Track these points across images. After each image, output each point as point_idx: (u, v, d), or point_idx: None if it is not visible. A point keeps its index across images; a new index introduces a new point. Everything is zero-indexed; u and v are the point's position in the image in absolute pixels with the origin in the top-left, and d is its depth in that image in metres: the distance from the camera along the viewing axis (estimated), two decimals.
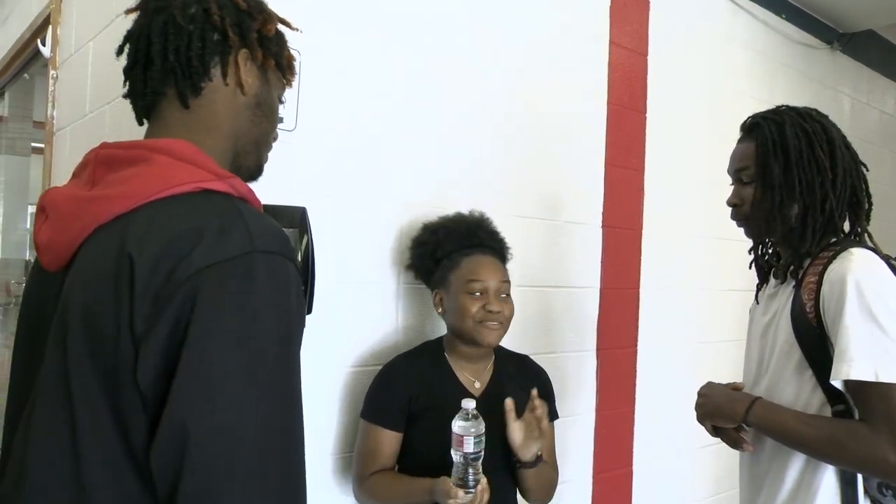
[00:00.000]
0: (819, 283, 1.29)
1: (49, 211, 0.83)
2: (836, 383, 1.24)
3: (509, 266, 1.67)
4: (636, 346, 2.48)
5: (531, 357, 1.79)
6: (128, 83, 0.90)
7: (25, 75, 2.72)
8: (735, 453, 1.50)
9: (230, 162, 0.91)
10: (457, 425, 1.37)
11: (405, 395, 1.55)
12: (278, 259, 0.75)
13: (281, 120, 1.55)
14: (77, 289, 0.76)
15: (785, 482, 1.36)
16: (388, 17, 1.78)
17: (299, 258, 1.53)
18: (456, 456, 1.37)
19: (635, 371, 2.48)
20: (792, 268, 1.38)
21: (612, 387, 2.39)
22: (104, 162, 0.82)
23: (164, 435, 0.68)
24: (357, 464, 1.58)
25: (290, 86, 1.00)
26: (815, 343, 1.29)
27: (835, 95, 3.50)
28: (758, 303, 1.54)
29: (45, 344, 0.78)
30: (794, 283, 1.37)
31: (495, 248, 1.66)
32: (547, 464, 1.58)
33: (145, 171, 0.78)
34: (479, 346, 1.58)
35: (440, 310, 1.62)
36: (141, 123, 0.91)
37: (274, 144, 1.52)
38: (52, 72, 1.98)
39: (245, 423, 0.70)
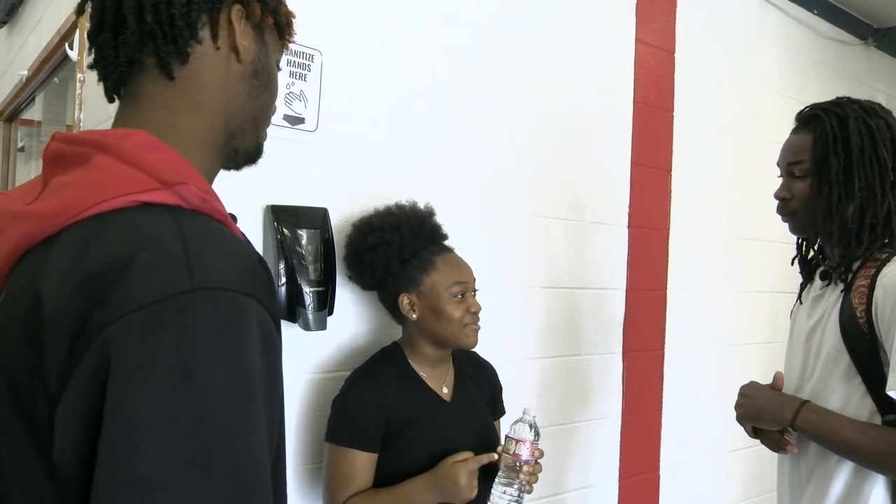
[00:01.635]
0: (871, 288, 1.25)
1: None
2: (893, 393, 1.20)
3: (534, 267, 1.65)
4: (664, 348, 2.44)
5: (544, 360, 1.76)
6: (94, 51, 0.73)
7: (56, 79, 2.76)
8: (766, 457, 1.46)
9: (222, 145, 0.75)
10: (522, 432, 1.36)
11: (380, 413, 1.42)
12: (227, 295, 0.57)
13: (301, 120, 1.55)
14: None
15: (831, 491, 1.31)
16: (410, 15, 1.78)
17: (320, 259, 1.52)
18: (508, 461, 1.36)
19: (662, 374, 2.44)
20: (844, 267, 1.32)
21: (639, 390, 2.35)
22: (52, 159, 0.67)
23: None
24: (330, 493, 1.42)
25: (288, 49, 0.84)
26: (866, 349, 1.25)
27: (870, 93, 3.41)
28: (801, 303, 1.48)
29: None
30: (842, 285, 1.32)
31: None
32: None
33: (79, 179, 0.63)
34: (451, 349, 1.53)
35: (413, 315, 1.48)
36: (111, 101, 0.75)
37: (294, 144, 1.52)
38: (79, 75, 2.00)
39: None
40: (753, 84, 2.76)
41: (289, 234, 1.50)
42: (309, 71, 1.56)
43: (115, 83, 0.72)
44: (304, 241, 1.51)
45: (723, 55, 2.65)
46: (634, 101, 2.33)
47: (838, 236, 1.34)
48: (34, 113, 3.58)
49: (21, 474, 0.58)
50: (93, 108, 1.92)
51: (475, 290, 1.52)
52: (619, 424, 2.30)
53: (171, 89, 0.71)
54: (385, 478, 1.42)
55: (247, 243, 0.69)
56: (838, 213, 1.31)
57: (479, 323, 1.50)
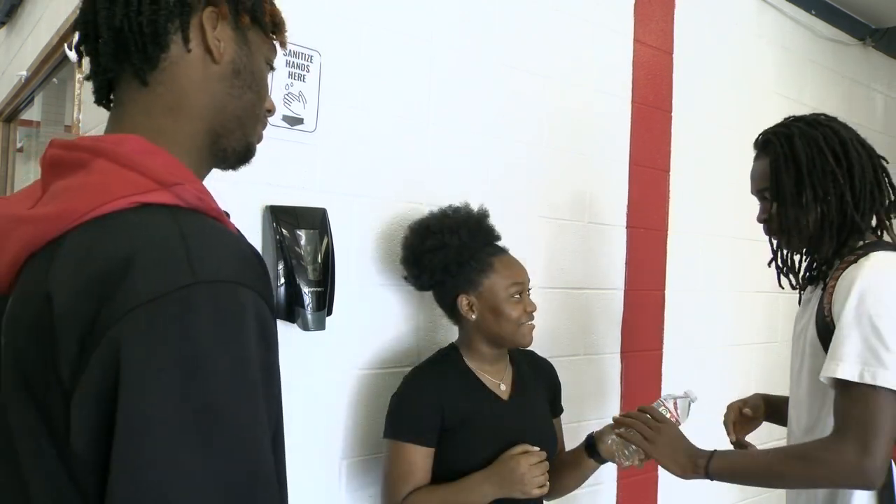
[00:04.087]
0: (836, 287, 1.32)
1: None
2: (824, 380, 1.25)
3: (533, 267, 1.65)
4: (662, 348, 2.44)
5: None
6: (88, 61, 0.76)
7: (55, 80, 2.76)
8: None
9: (209, 146, 0.76)
10: (677, 407, 1.47)
11: (436, 408, 1.47)
12: (226, 288, 0.60)
13: (300, 121, 1.55)
14: (9, 330, 0.65)
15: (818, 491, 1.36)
16: (410, 15, 1.78)
17: (319, 260, 1.52)
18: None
19: (661, 374, 2.44)
20: (823, 269, 1.40)
21: (638, 390, 2.35)
22: (51, 165, 0.70)
23: None
24: (389, 489, 1.47)
25: (284, 46, 0.84)
26: None
27: (868, 93, 3.42)
28: (799, 307, 1.55)
29: None
30: (822, 287, 1.39)
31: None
32: None
33: (80, 183, 0.65)
34: (511, 348, 1.57)
35: (472, 315, 1.51)
36: (102, 106, 0.78)
37: (294, 145, 1.52)
38: (78, 75, 2.00)
39: None
40: (752, 84, 2.77)
41: (288, 235, 1.50)
42: (308, 72, 1.56)
43: (98, 91, 0.76)
44: (303, 242, 1.51)
45: (721, 56, 2.65)
46: (632, 102, 2.33)
47: (803, 245, 1.43)
48: (33, 113, 3.58)
49: (37, 463, 0.61)
50: (92, 109, 1.92)
51: (530, 290, 1.56)
52: None
53: (150, 94, 0.73)
54: (446, 475, 1.45)
55: (242, 238, 0.72)
56: (798, 225, 1.39)
57: (534, 321, 1.54)
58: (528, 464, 1.40)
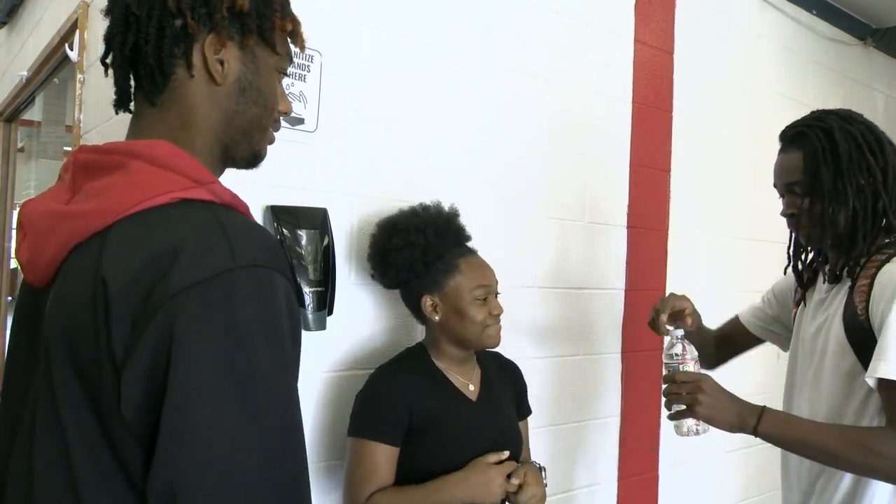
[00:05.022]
0: (871, 286, 1.28)
1: (26, 227, 0.77)
2: (871, 381, 1.22)
3: (533, 267, 1.65)
4: (663, 348, 2.44)
5: (544, 360, 1.76)
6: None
7: (56, 80, 2.76)
8: (765, 458, 1.47)
9: (219, 154, 0.83)
10: (675, 349, 1.42)
11: (403, 406, 1.43)
12: (262, 272, 0.68)
13: (301, 121, 1.55)
14: (57, 313, 0.71)
15: (840, 485, 1.34)
16: (411, 17, 1.78)
17: (319, 259, 1.53)
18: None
19: (662, 374, 2.43)
20: (847, 269, 1.36)
21: (639, 390, 2.36)
22: (83, 168, 0.76)
23: (156, 490, 0.63)
24: (351, 488, 1.42)
25: (303, 49, 0.89)
26: (869, 347, 1.26)
27: (869, 93, 3.42)
28: (804, 306, 1.50)
29: (38, 363, 0.73)
30: (847, 286, 1.35)
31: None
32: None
33: (120, 182, 0.72)
34: (476, 350, 1.55)
35: (436, 317, 1.49)
36: (118, 112, 0.85)
37: (294, 145, 1.52)
38: (79, 76, 2.00)
39: (244, 469, 0.64)
40: (752, 84, 2.76)
41: (288, 235, 1.50)
42: (308, 72, 1.56)
43: (119, 101, 0.82)
44: (303, 242, 1.52)
45: (722, 56, 2.65)
46: (633, 102, 2.33)
47: (835, 241, 1.38)
48: (34, 113, 3.58)
49: (81, 436, 0.67)
50: (93, 109, 1.92)
51: (497, 293, 1.54)
52: (618, 424, 2.31)
53: (162, 112, 0.79)
54: (410, 475, 1.42)
55: (267, 230, 0.84)
56: (832, 221, 1.35)
57: (501, 323, 1.51)
58: (503, 474, 1.39)
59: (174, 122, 0.79)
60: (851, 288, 1.33)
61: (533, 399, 1.72)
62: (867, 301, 1.28)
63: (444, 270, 1.49)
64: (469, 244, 1.57)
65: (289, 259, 1.48)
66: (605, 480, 2.27)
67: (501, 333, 1.52)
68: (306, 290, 1.49)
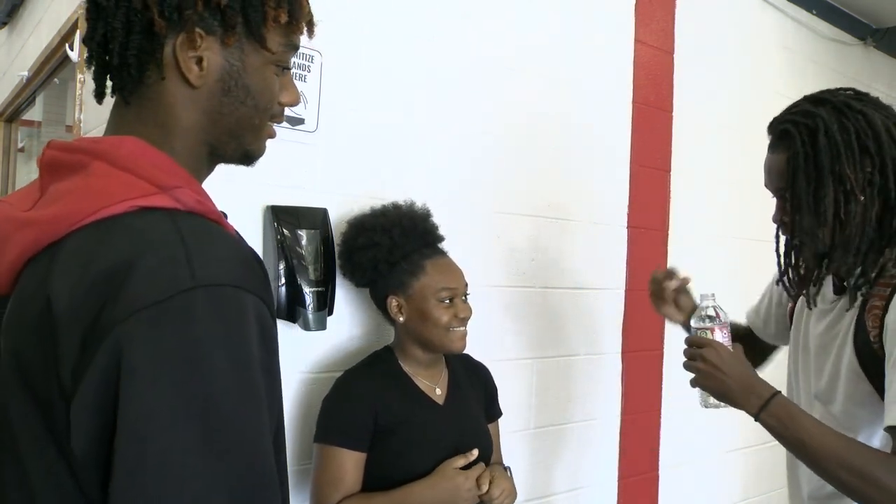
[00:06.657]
0: (885, 310, 1.13)
1: None
2: (888, 430, 1.09)
3: (533, 267, 1.65)
4: (663, 348, 2.44)
5: (543, 360, 1.76)
6: None
7: (56, 80, 2.76)
8: (766, 457, 1.45)
9: (206, 155, 0.76)
10: (706, 321, 1.35)
11: (368, 411, 1.41)
12: (227, 291, 0.61)
13: (301, 121, 1.55)
14: (9, 333, 0.65)
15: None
16: (411, 17, 1.78)
17: (320, 259, 1.52)
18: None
19: (662, 374, 2.44)
20: (861, 281, 1.19)
21: (638, 390, 2.36)
22: (49, 166, 0.70)
23: None
24: (318, 495, 1.40)
25: (312, 35, 0.80)
26: (882, 374, 1.14)
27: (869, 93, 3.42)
28: (809, 308, 1.35)
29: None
30: (858, 301, 1.20)
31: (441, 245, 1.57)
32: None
33: (79, 186, 0.65)
34: (441, 353, 1.53)
35: (401, 318, 1.48)
36: (100, 102, 0.79)
37: (294, 145, 1.52)
38: (79, 76, 2.00)
39: None
40: (752, 84, 2.76)
41: (289, 235, 1.50)
42: (309, 72, 1.56)
43: (98, 94, 0.76)
44: (304, 242, 1.52)
45: (722, 55, 2.65)
46: (633, 102, 2.33)
47: (817, 260, 1.26)
48: (34, 113, 3.58)
49: (39, 462, 0.61)
50: (93, 109, 1.92)
51: (466, 295, 1.51)
52: (618, 424, 2.30)
53: (139, 109, 0.72)
54: (376, 481, 1.40)
55: (241, 240, 0.72)
56: (811, 237, 1.21)
57: (468, 327, 1.48)
58: (472, 479, 1.38)
59: (150, 121, 0.72)
60: (863, 306, 1.18)
61: (533, 399, 1.73)
62: (881, 328, 1.14)
63: (410, 271, 1.47)
64: (441, 245, 1.55)
65: (289, 261, 1.48)
66: (605, 480, 2.27)
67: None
68: (306, 290, 1.49)
